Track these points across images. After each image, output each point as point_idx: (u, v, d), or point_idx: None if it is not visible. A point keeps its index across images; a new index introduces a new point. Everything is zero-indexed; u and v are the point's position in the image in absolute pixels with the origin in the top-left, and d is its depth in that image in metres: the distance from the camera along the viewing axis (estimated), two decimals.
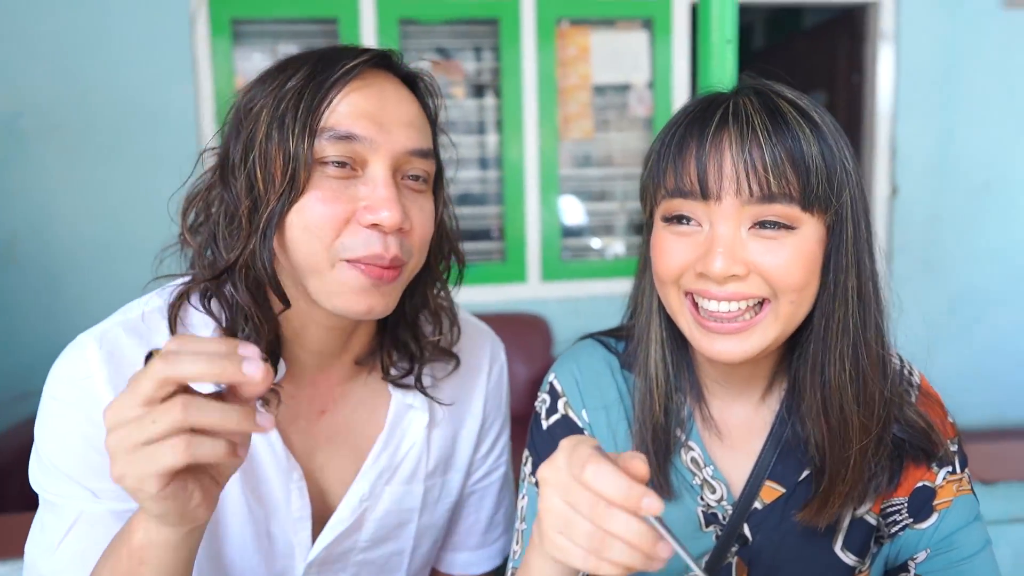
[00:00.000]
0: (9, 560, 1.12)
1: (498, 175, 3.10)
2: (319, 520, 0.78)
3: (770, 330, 0.67)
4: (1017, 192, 3.18)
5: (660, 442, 0.75)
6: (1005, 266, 3.22)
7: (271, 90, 0.68)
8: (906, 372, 0.79)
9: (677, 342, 0.77)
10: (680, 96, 3.07)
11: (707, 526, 0.77)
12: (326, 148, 0.66)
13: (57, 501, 0.67)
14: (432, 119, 0.76)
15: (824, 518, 0.71)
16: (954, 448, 0.77)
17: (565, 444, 0.55)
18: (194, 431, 0.48)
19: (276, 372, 0.72)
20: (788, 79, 0.73)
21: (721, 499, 0.77)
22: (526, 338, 2.93)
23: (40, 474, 0.69)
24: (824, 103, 3.61)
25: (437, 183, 0.78)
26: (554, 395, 0.82)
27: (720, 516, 0.77)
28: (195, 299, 0.72)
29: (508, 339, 3.37)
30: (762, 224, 0.65)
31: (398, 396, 0.81)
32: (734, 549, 0.77)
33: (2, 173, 2.73)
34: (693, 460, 0.77)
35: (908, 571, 0.74)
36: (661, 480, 0.75)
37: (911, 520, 0.74)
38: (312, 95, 0.66)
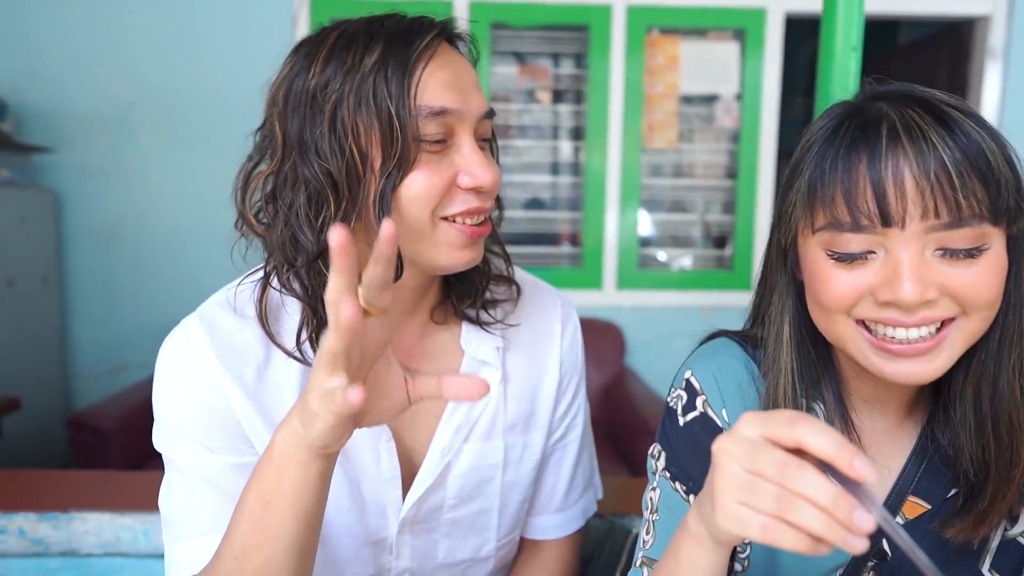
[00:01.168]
0: (113, 512, 1.19)
1: (571, 181, 3.11)
2: (407, 480, 0.81)
3: (956, 347, 0.63)
4: None
5: None
6: None
7: (347, 71, 0.69)
8: None
9: (816, 366, 0.73)
10: (769, 109, 3.01)
11: None
12: (425, 125, 0.70)
13: (179, 459, 0.73)
14: None
15: (978, 534, 0.68)
16: None
17: (750, 415, 0.51)
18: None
19: None
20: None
21: None
22: (600, 344, 2.92)
23: (161, 438, 0.75)
24: None
25: (493, 137, 0.82)
26: (691, 392, 0.79)
27: None
28: (274, 282, 0.76)
29: (583, 344, 3.32)
30: (951, 253, 0.60)
31: (470, 351, 0.84)
32: (871, 564, 0.75)
33: (114, 158, 2.89)
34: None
35: None
36: None
37: None
38: (399, 73, 0.69)
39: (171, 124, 2.88)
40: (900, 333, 0.61)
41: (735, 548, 0.81)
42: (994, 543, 0.73)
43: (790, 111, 3.56)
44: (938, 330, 0.62)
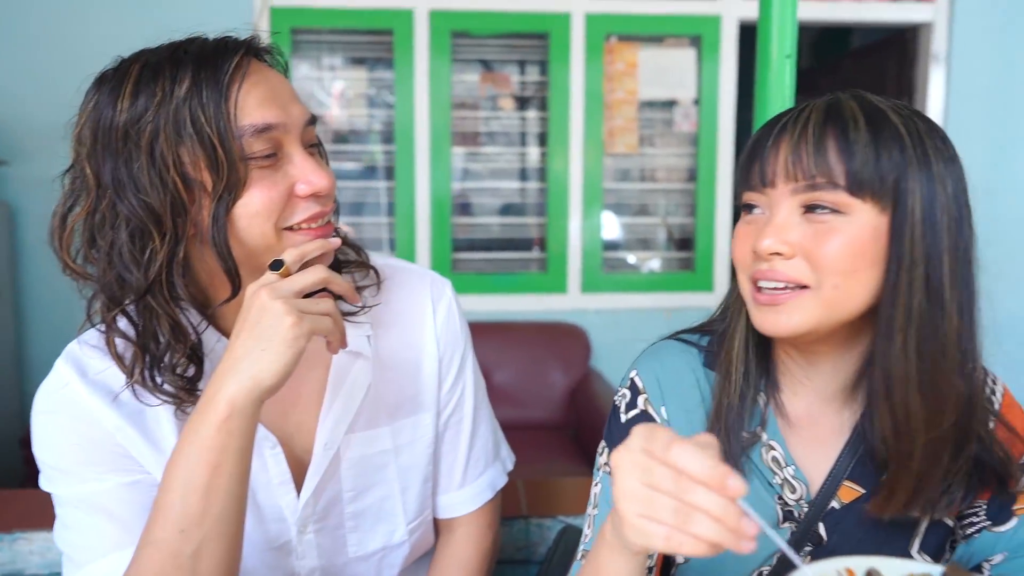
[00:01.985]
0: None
1: (539, 187, 3.14)
2: (302, 482, 0.84)
3: (811, 310, 0.69)
4: None
5: (735, 436, 0.76)
6: None
7: (158, 103, 0.68)
8: (989, 382, 0.79)
9: (760, 339, 0.79)
10: (726, 113, 3.08)
11: (783, 522, 0.78)
12: (252, 144, 0.70)
13: (68, 494, 0.75)
14: None
15: (890, 510, 0.71)
16: None
17: (640, 429, 0.56)
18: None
19: (202, 373, 0.76)
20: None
21: (800, 498, 0.78)
22: (565, 348, 2.95)
23: (48, 481, 0.77)
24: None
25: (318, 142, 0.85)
26: (635, 391, 0.84)
27: (796, 514, 0.78)
28: (100, 325, 0.76)
29: (547, 348, 3.41)
30: (812, 208, 0.69)
31: None
32: (808, 549, 0.78)
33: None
34: (774, 459, 0.78)
35: (982, 572, 0.74)
36: (738, 471, 0.76)
37: (989, 523, 0.74)
38: (214, 97, 0.69)
39: None
40: (765, 284, 0.70)
41: None
42: (923, 526, 0.76)
43: (747, 115, 3.64)
44: (794, 290, 0.69)
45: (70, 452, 0.75)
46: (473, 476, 0.98)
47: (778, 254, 0.68)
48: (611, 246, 3.20)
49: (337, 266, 0.87)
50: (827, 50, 4.39)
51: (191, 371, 0.75)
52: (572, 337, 2.99)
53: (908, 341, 0.69)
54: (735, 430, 0.77)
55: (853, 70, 3.70)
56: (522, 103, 3.16)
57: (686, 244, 3.23)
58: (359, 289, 0.88)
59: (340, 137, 3.10)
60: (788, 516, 0.78)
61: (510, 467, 1.05)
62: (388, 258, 0.96)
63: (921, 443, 0.69)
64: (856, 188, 0.67)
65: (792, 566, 0.76)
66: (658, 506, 0.52)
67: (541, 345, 2.93)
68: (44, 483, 0.77)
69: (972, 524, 0.75)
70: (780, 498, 0.78)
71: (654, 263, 3.23)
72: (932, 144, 0.70)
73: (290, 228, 0.75)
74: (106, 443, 0.75)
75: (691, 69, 3.08)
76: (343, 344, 0.73)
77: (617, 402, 0.85)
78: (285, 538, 0.84)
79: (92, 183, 0.71)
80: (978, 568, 0.75)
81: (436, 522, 1.00)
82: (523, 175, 3.19)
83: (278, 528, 0.84)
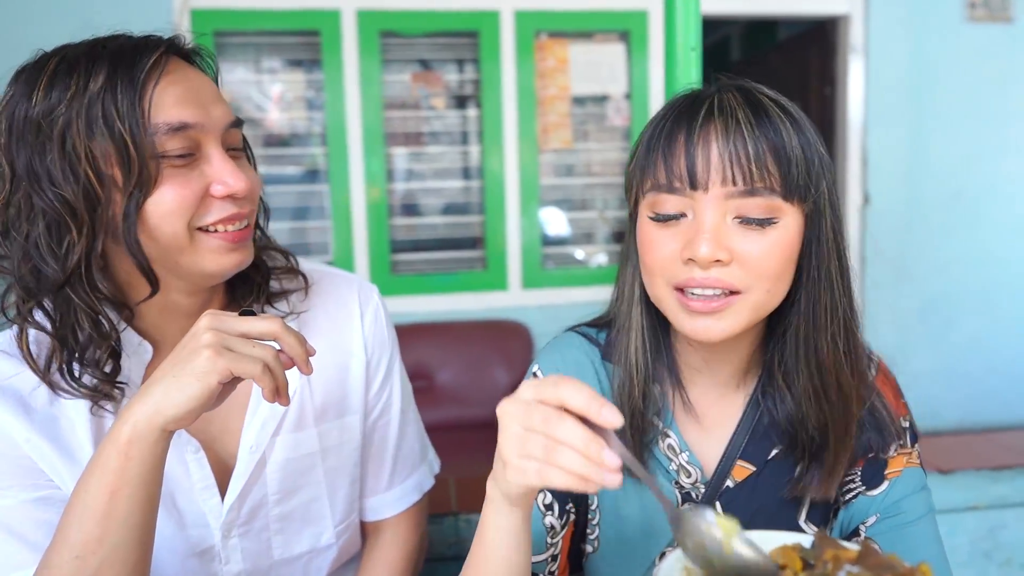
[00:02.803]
0: None
1: (478, 185, 3.14)
2: (226, 486, 0.83)
3: (743, 315, 0.70)
4: (986, 200, 3.27)
5: (637, 426, 0.78)
6: (976, 273, 3.30)
7: (71, 97, 0.68)
8: (866, 354, 0.82)
9: (657, 331, 0.80)
10: (657, 106, 3.12)
11: (682, 504, 0.80)
12: (165, 142, 0.70)
13: None
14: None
15: (831, 490, 0.75)
16: (905, 425, 0.81)
17: (527, 383, 0.57)
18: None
19: (119, 368, 0.76)
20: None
21: (696, 481, 0.80)
22: (507, 345, 2.96)
23: None
24: None
25: (244, 145, 0.84)
26: None
27: (694, 496, 0.80)
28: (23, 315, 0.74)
29: (489, 346, 3.41)
30: (745, 220, 0.68)
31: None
32: None
33: None
34: (670, 447, 0.80)
35: (859, 535, 0.78)
36: (642, 462, 0.78)
37: (863, 488, 0.78)
38: (129, 93, 0.69)
39: None
40: (698, 291, 0.69)
41: (584, 531, 0.85)
42: (808, 498, 0.79)
43: None
44: (727, 296, 0.69)
45: None
46: (400, 478, 0.99)
47: (717, 261, 0.67)
48: (551, 242, 3.22)
49: (266, 272, 0.87)
50: (755, 43, 4.50)
51: (109, 367, 0.75)
52: (514, 334, 3.01)
53: (837, 330, 0.71)
54: (638, 423, 0.78)
55: (779, 62, 3.81)
56: (459, 102, 3.16)
57: (623, 237, 3.27)
58: (286, 293, 0.88)
59: (281, 141, 3.05)
60: (687, 498, 0.81)
61: (437, 470, 1.06)
62: (316, 263, 0.96)
63: (852, 420, 0.73)
64: (789, 194, 0.67)
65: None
66: (532, 444, 0.54)
67: (483, 343, 2.94)
68: None
69: (850, 491, 0.79)
70: (678, 483, 0.80)
71: (600, 257, 3.27)
72: (813, 128, 0.73)
73: (204, 230, 0.74)
74: (12, 455, 0.73)
75: (621, 64, 3.13)
76: (276, 398, 0.69)
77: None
78: (208, 543, 0.83)
79: (7, 174, 0.70)
80: (855, 531, 0.78)
81: (363, 525, 1.00)
82: (464, 174, 3.19)
83: (200, 533, 0.82)
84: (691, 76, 1.25)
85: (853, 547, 0.49)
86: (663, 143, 0.69)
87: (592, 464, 0.52)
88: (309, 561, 0.91)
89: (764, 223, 0.67)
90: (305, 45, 2.98)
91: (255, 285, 0.86)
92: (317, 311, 0.91)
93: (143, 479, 0.65)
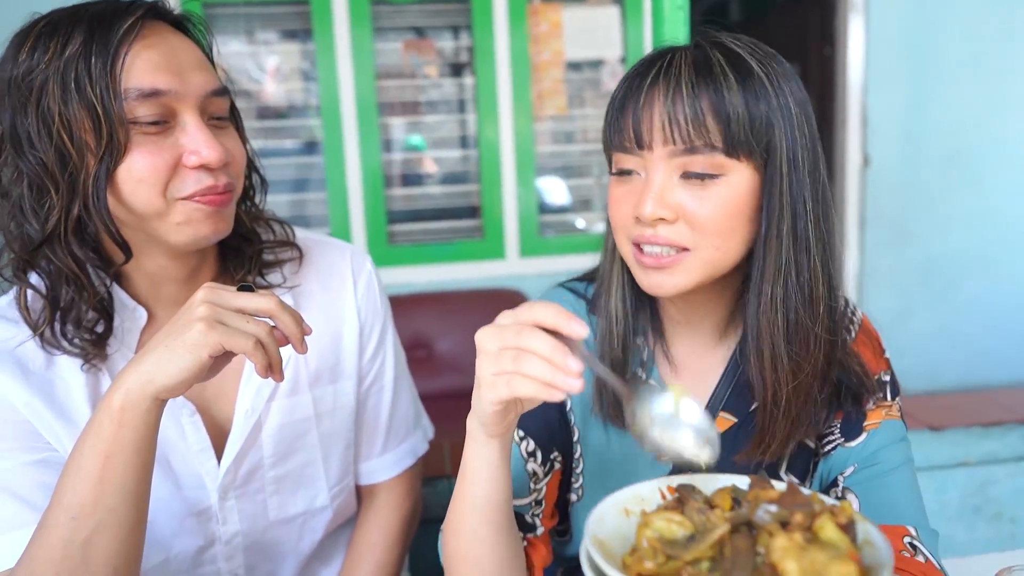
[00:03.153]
0: None
1: (475, 154, 3.12)
2: (222, 449, 0.85)
3: (694, 271, 0.71)
4: (987, 159, 3.23)
5: (619, 376, 0.78)
6: (977, 233, 3.27)
7: (48, 59, 0.69)
8: (849, 312, 0.83)
9: (638, 288, 0.80)
10: None
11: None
12: (136, 108, 0.70)
13: None
14: (210, 57, 0.80)
15: (767, 455, 0.75)
16: (886, 379, 0.82)
17: (503, 312, 0.60)
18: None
19: (111, 329, 0.78)
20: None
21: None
22: None
23: None
24: (798, 75, 3.64)
25: (234, 116, 0.83)
26: None
27: None
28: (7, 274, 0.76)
29: (488, 315, 3.41)
30: (688, 175, 0.69)
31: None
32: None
33: None
34: None
35: (837, 485, 0.79)
36: (619, 417, 0.80)
37: (842, 439, 0.79)
38: (102, 57, 0.68)
39: None
40: (648, 248, 0.71)
41: (569, 479, 0.87)
42: (789, 450, 0.80)
43: None
44: (677, 252, 0.71)
45: None
46: (394, 444, 1.00)
47: (662, 219, 0.70)
48: (550, 210, 3.21)
49: (258, 243, 0.87)
50: (755, 4, 4.42)
51: (100, 327, 0.76)
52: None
53: (777, 291, 0.72)
54: (618, 373, 0.79)
55: (778, 23, 3.75)
56: (455, 69, 3.12)
57: None
58: (279, 263, 0.89)
59: (278, 113, 3.03)
60: None
61: (431, 435, 1.08)
62: (309, 232, 0.97)
63: (788, 389, 0.73)
64: (732, 150, 0.68)
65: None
66: (503, 358, 0.57)
67: (482, 312, 2.90)
68: None
69: (830, 443, 0.80)
70: None
71: (600, 225, 3.25)
72: (789, 88, 0.72)
73: (183, 199, 0.73)
74: (11, 418, 0.74)
75: (616, 27, 3.08)
76: (269, 374, 0.69)
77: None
78: (205, 504, 0.85)
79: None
80: (834, 482, 0.80)
81: (358, 489, 1.02)
82: (462, 143, 3.16)
83: (197, 495, 0.84)
84: (679, 34, 1.23)
85: (781, 486, 0.50)
86: (617, 104, 0.73)
87: (557, 371, 0.54)
88: (305, 522, 0.93)
89: (706, 178, 0.69)
90: (297, 15, 2.94)
91: (247, 257, 0.86)
92: (310, 280, 0.92)
93: (136, 445, 0.66)
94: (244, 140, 0.83)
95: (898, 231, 3.24)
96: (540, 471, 0.83)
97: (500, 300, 3.01)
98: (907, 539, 0.73)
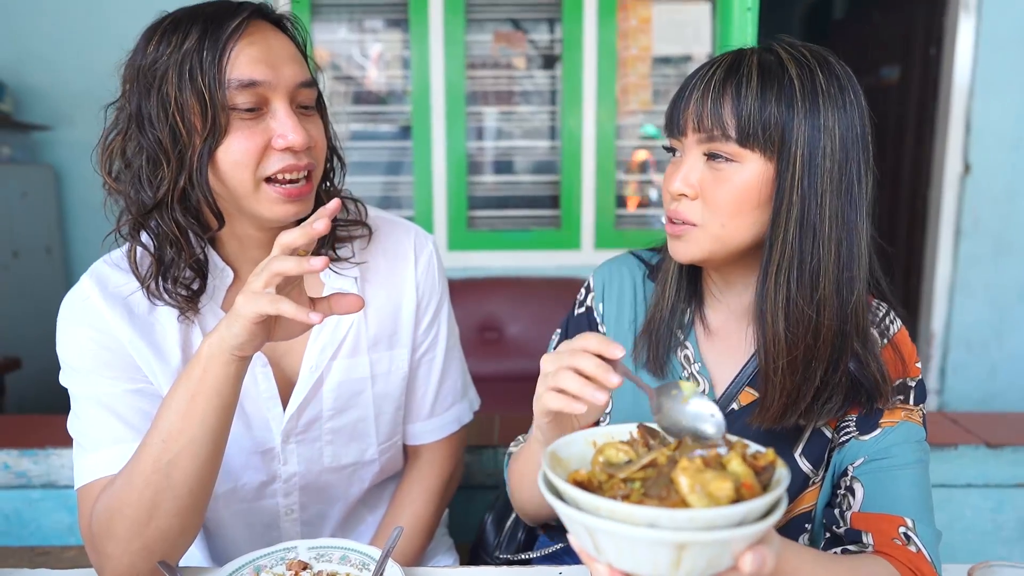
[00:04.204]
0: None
1: (559, 145, 3.18)
2: (288, 399, 0.96)
3: (702, 243, 0.81)
4: None
5: (663, 332, 0.90)
6: None
7: (170, 51, 0.81)
8: (886, 321, 0.86)
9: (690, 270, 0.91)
10: None
11: None
12: (235, 96, 0.81)
13: (83, 391, 0.88)
14: (304, 53, 0.91)
15: (766, 421, 0.81)
16: (912, 384, 0.85)
17: (565, 342, 0.69)
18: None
19: (204, 287, 0.90)
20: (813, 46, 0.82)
21: (704, 392, 0.87)
22: None
23: (67, 377, 0.90)
24: (898, 76, 3.49)
25: (320, 105, 0.94)
26: (587, 290, 1.00)
27: None
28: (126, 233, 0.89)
29: (559, 302, 3.51)
30: (712, 156, 0.79)
31: (330, 284, 0.97)
32: None
33: None
34: (686, 357, 0.91)
35: (847, 475, 0.83)
36: (658, 369, 0.90)
37: (856, 433, 0.83)
38: (212, 51, 0.80)
39: None
40: (674, 219, 0.82)
41: (598, 422, 0.95)
42: (806, 434, 0.85)
43: None
44: (690, 225, 0.81)
45: (87, 356, 0.87)
46: (441, 409, 1.10)
47: (684, 195, 0.80)
48: (623, 203, 3.23)
49: (336, 221, 0.97)
50: (859, 0, 4.24)
51: (196, 284, 0.89)
52: None
53: (780, 273, 0.78)
54: (664, 336, 0.90)
55: (882, 20, 3.60)
56: (546, 61, 3.18)
57: None
58: (351, 239, 1.00)
59: (378, 99, 3.19)
60: None
61: (476, 407, 1.17)
62: (381, 212, 1.07)
63: (783, 363, 0.78)
64: (744, 140, 0.76)
65: None
66: (554, 376, 0.66)
67: (553, 300, 3.01)
68: (63, 378, 0.90)
69: (846, 434, 0.84)
70: None
71: None
72: (826, 93, 0.76)
73: (269, 180, 0.85)
74: (117, 352, 0.88)
75: (706, 23, 3.06)
76: (306, 318, 0.72)
77: (576, 299, 1.02)
78: (269, 445, 0.97)
79: (126, 115, 0.85)
80: (844, 472, 0.83)
81: (406, 448, 1.12)
82: (550, 134, 3.23)
83: (264, 436, 0.97)
84: (746, 35, 1.26)
85: (733, 438, 0.60)
86: (673, 97, 0.84)
87: (587, 385, 0.64)
88: (354, 471, 1.05)
89: (723, 160, 0.78)
90: (397, 5, 3.08)
91: (329, 236, 0.96)
92: (377, 256, 1.02)
93: (216, 390, 0.77)
94: (327, 127, 0.94)
95: (997, 243, 3.07)
96: None
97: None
98: (902, 529, 0.76)
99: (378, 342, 1.01)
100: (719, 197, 0.78)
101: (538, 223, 3.23)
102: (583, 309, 0.99)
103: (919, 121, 3.30)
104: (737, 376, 0.88)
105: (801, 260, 0.77)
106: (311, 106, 0.90)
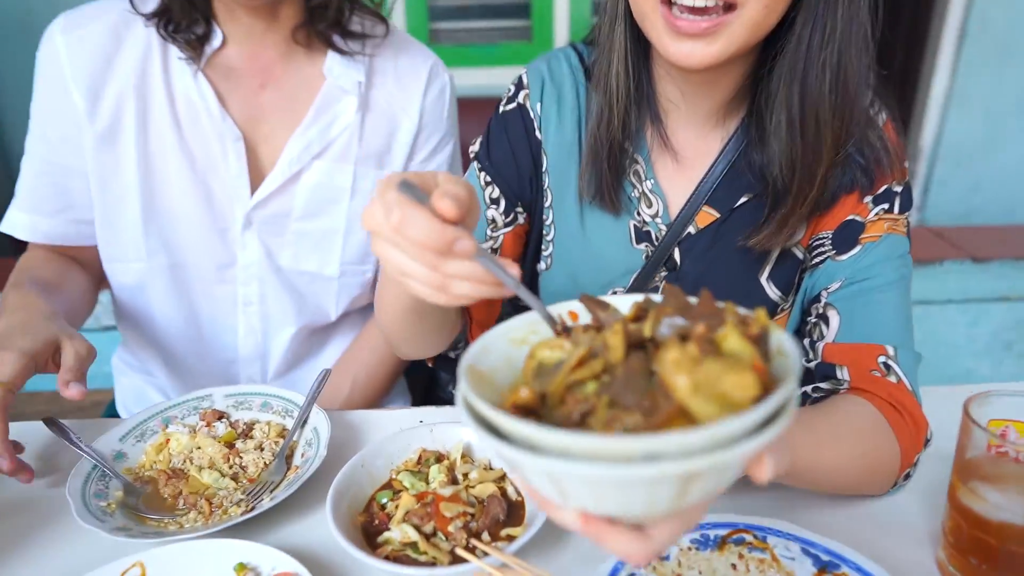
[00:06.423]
0: None
1: None
2: (258, 185, 0.93)
3: (737, 35, 0.63)
4: None
5: (615, 158, 0.76)
6: None
7: None
8: (873, 109, 0.75)
9: (640, 55, 0.75)
10: None
11: (638, 243, 0.79)
12: None
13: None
14: None
15: (778, 241, 0.72)
16: (898, 189, 0.74)
17: (379, 186, 0.49)
18: None
19: (211, 39, 0.88)
20: None
21: (656, 215, 0.78)
22: None
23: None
24: None
25: None
26: (519, 87, 0.86)
27: (653, 235, 0.78)
28: None
29: None
30: None
31: (332, 78, 0.93)
32: (662, 273, 0.79)
33: None
34: (636, 173, 0.78)
35: (820, 301, 0.75)
36: (612, 196, 0.77)
37: (833, 252, 0.74)
38: None
39: None
40: (688, 4, 0.61)
41: (540, 248, 0.85)
42: (773, 255, 0.76)
43: None
44: (721, 14, 0.62)
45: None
46: None
47: None
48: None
49: (341, 4, 0.90)
50: None
51: (200, 29, 0.87)
52: None
53: (830, 57, 0.64)
54: (615, 154, 0.76)
55: None
56: None
57: None
58: (363, 37, 0.93)
59: None
60: (644, 237, 0.79)
61: None
62: (411, 36, 1.02)
63: (825, 167, 0.68)
64: None
65: (646, 288, 0.77)
66: (415, 271, 0.48)
67: None
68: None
69: (820, 254, 0.75)
70: (638, 213, 0.79)
71: None
72: None
73: None
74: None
75: None
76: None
77: (503, 96, 0.87)
78: (227, 225, 0.93)
79: None
80: (817, 297, 0.75)
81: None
82: None
83: (224, 213, 0.93)
84: None
85: (693, 300, 0.41)
86: None
87: (491, 286, 0.46)
88: (312, 283, 1.00)
89: None
90: None
91: (333, 7, 0.89)
92: (387, 62, 0.97)
93: None
94: None
95: (1002, 48, 2.85)
96: (500, 220, 0.83)
97: None
98: (881, 358, 0.68)
99: (369, 156, 0.96)
100: None
101: (507, 35, 2.95)
102: (512, 107, 0.84)
103: None
104: (694, 194, 0.76)
105: (831, 36, 0.64)
106: None
